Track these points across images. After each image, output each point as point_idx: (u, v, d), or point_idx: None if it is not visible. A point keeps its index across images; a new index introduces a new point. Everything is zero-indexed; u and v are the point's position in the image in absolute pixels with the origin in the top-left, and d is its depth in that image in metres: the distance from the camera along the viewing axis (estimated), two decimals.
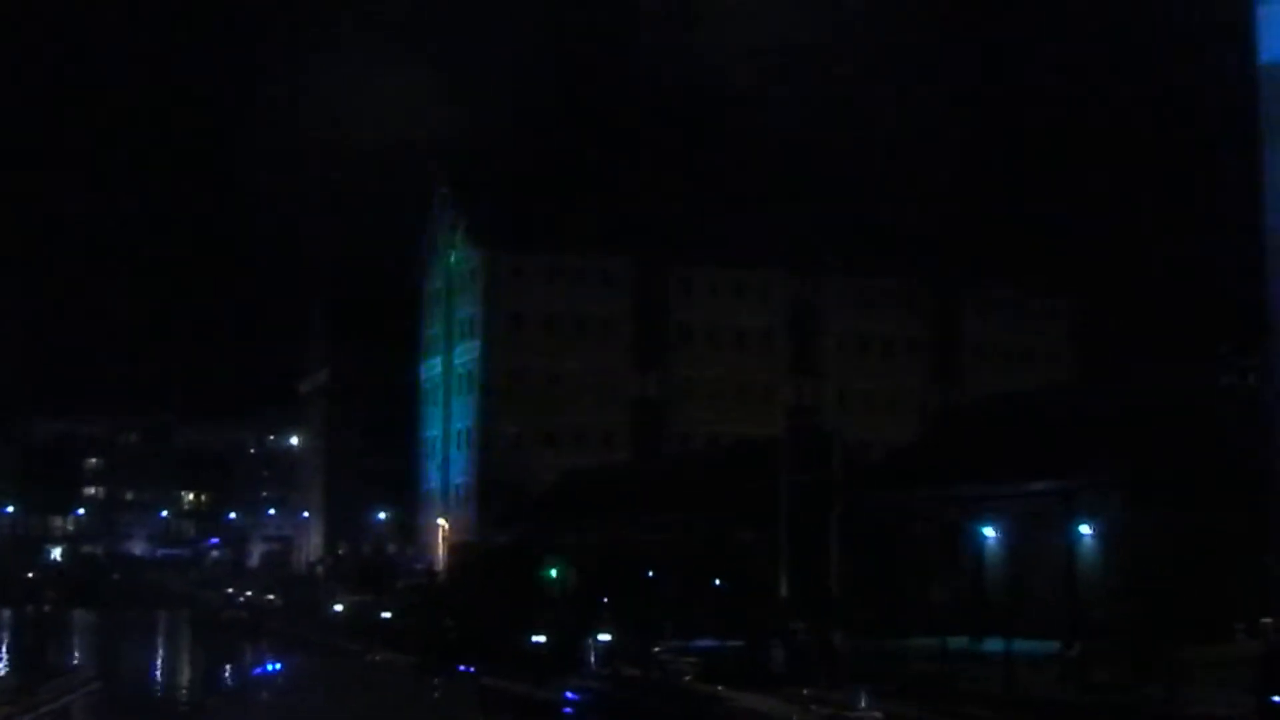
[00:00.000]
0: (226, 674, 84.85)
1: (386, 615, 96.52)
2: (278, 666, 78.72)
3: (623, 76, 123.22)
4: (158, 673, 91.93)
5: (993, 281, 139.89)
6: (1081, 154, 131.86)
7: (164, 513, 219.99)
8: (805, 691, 52.66)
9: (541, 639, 71.91)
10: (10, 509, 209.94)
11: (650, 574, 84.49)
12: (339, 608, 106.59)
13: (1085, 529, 65.31)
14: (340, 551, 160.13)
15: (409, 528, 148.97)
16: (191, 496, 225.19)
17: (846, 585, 78.55)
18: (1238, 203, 56.85)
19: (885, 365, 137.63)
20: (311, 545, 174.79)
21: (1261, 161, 54.18)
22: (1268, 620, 54.63)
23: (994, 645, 59.23)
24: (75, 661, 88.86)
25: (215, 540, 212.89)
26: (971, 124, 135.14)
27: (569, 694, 62.81)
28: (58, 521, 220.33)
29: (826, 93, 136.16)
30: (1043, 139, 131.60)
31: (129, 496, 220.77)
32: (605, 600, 79.57)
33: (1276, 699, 40.85)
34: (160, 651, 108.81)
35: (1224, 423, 64.14)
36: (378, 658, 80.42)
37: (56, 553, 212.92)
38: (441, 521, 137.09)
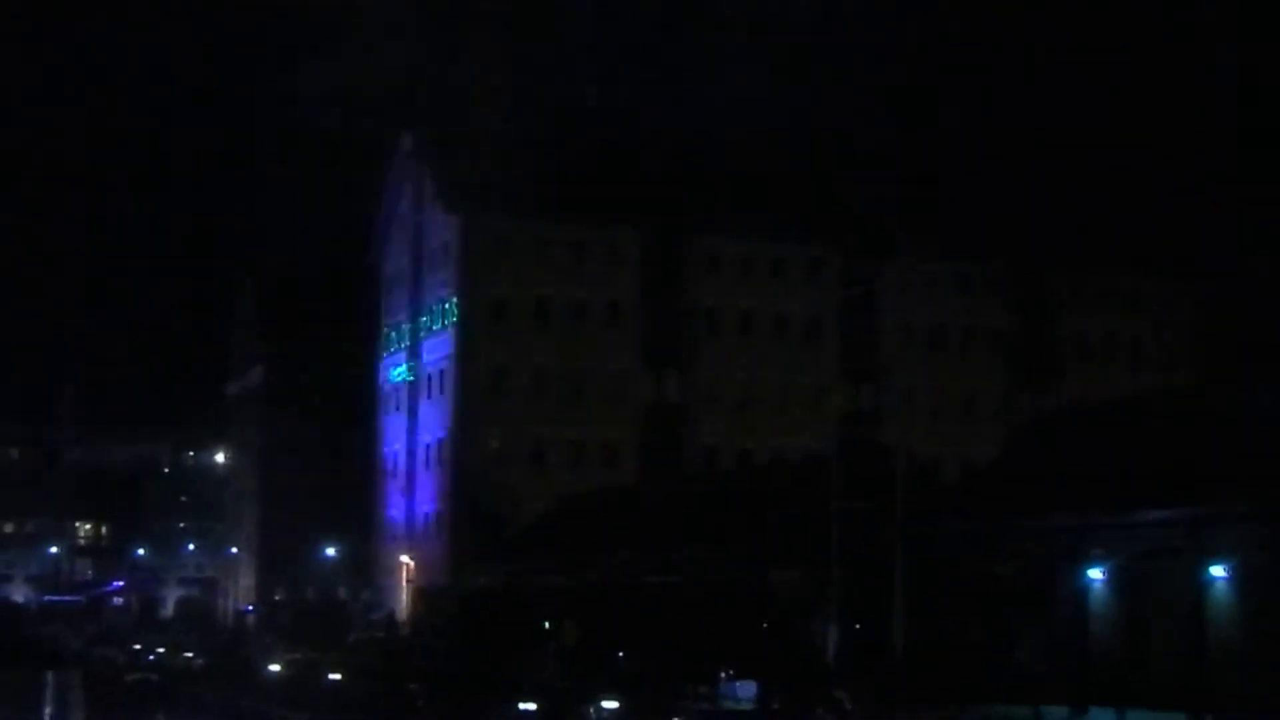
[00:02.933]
0: None
1: (336, 677, 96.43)
2: None
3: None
4: None
5: (1096, 264, 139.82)
6: (1204, 119, 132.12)
7: (53, 549, 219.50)
8: None
9: (532, 706, 71.89)
10: None
11: (666, 625, 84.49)
12: (276, 668, 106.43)
13: (1218, 570, 65.07)
14: (277, 597, 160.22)
15: (364, 567, 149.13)
16: (89, 529, 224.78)
17: (914, 637, 78.51)
18: None
19: (962, 364, 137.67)
20: (241, 589, 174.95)
21: None
22: None
23: (1101, 718, 59.15)
24: None
25: (119, 584, 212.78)
26: (1075, 82, 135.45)
27: None
28: None
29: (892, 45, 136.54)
30: (1155, 101, 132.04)
31: (7, 529, 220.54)
32: (611, 658, 79.59)
33: None
34: None
35: None
36: None
37: None
38: (405, 559, 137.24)
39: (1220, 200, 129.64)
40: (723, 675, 74.29)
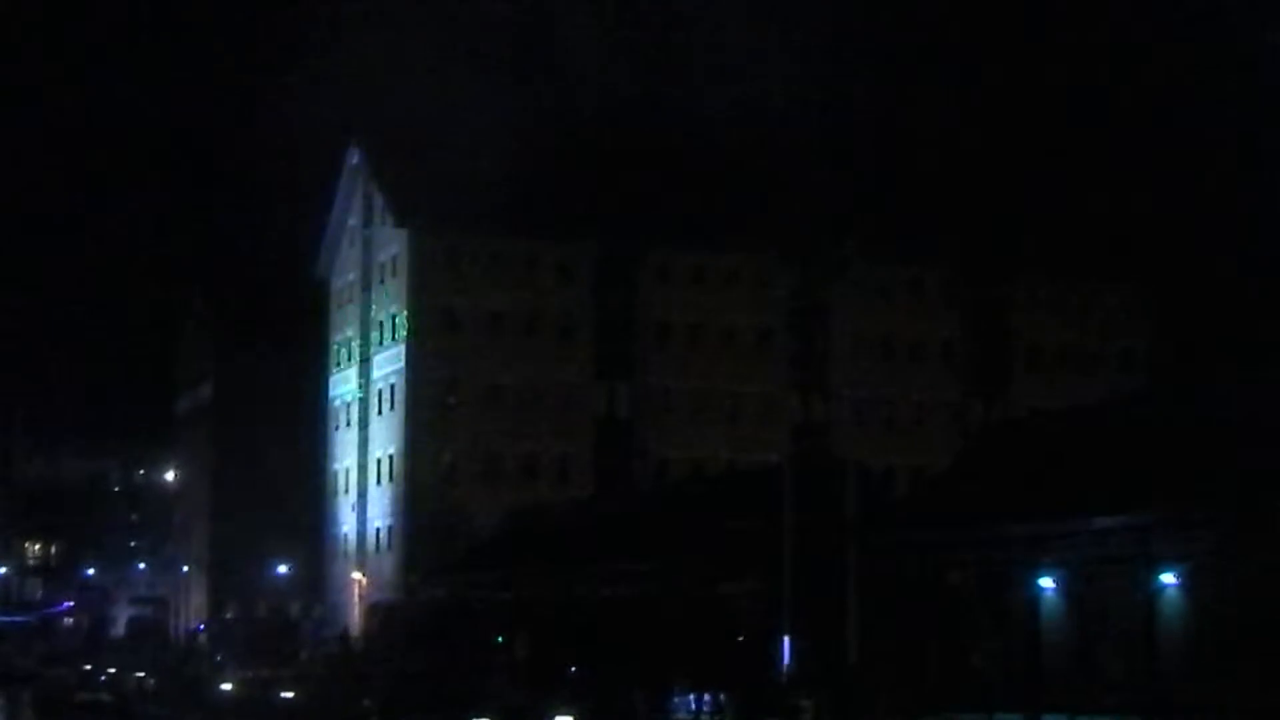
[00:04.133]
0: None
1: (289, 695, 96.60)
2: None
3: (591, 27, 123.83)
4: None
5: (1048, 272, 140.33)
6: (1159, 125, 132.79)
7: (1, 569, 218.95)
8: None
9: None
10: None
11: (620, 638, 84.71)
12: (228, 687, 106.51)
13: (1168, 577, 65.58)
14: (229, 615, 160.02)
15: (316, 583, 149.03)
16: (38, 548, 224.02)
17: (868, 647, 78.92)
18: None
19: (913, 374, 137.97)
20: (192, 607, 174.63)
21: None
22: None
23: None
24: None
25: (69, 603, 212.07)
26: (1027, 88, 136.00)
27: None
28: None
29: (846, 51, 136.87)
30: (1118, 106, 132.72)
31: None
32: (564, 672, 79.87)
33: None
34: None
35: None
36: None
37: None
38: (357, 575, 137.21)
39: (1170, 208, 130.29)
40: (678, 688, 74.55)
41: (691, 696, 73.93)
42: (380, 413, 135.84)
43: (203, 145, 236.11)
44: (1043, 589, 71.33)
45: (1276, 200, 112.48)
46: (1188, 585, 65.09)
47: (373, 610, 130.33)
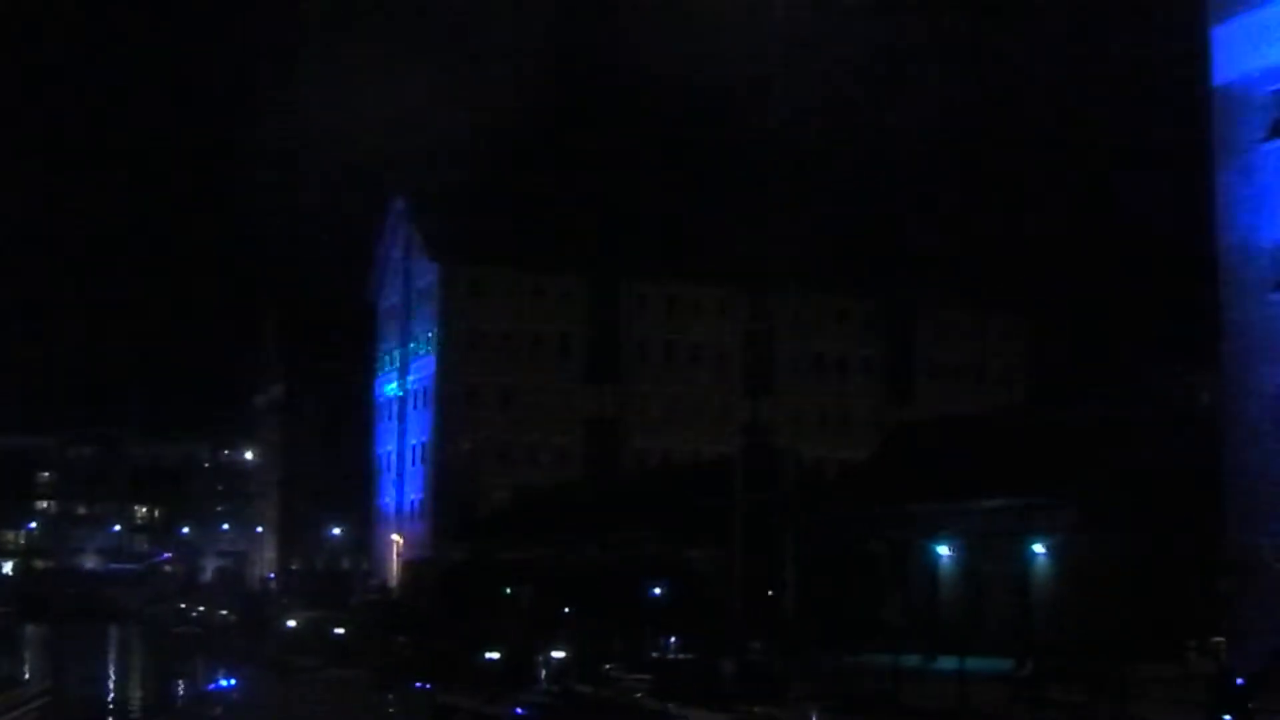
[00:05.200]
0: (179, 689, 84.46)
1: (340, 631, 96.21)
2: (231, 683, 78.68)
3: (581, 97, 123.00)
4: (109, 688, 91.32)
5: (948, 301, 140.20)
6: (1038, 174, 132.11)
7: (116, 527, 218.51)
8: (756, 709, 52.75)
9: (495, 655, 71.86)
10: None
11: (604, 590, 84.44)
12: (293, 623, 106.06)
13: (1039, 547, 65.53)
14: (294, 567, 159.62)
15: (363, 543, 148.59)
16: (144, 511, 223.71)
17: (801, 603, 78.77)
18: (1192, 222, 57.25)
19: (840, 384, 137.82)
20: (265, 560, 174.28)
21: (1214, 181, 54.56)
22: (1219, 640, 54.94)
23: (947, 664, 59.27)
24: (26, 675, 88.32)
25: (167, 555, 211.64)
26: (925, 142, 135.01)
27: (519, 710, 62.68)
28: (9, 536, 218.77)
29: (783, 113, 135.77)
30: (998, 157, 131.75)
31: (81, 511, 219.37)
32: (559, 617, 79.58)
33: (1227, 718, 41.03)
34: (112, 667, 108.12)
35: (1177, 442, 64.39)
36: (332, 674, 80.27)
37: (8, 567, 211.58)
38: (396, 537, 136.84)
39: (1046, 240, 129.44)
40: (658, 635, 74.26)
41: (661, 639, 73.62)
42: (416, 409, 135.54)
43: (267, 185, 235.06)
44: (940, 556, 71.31)
45: (1139, 237, 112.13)
46: (1055, 554, 65.14)
47: (407, 566, 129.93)
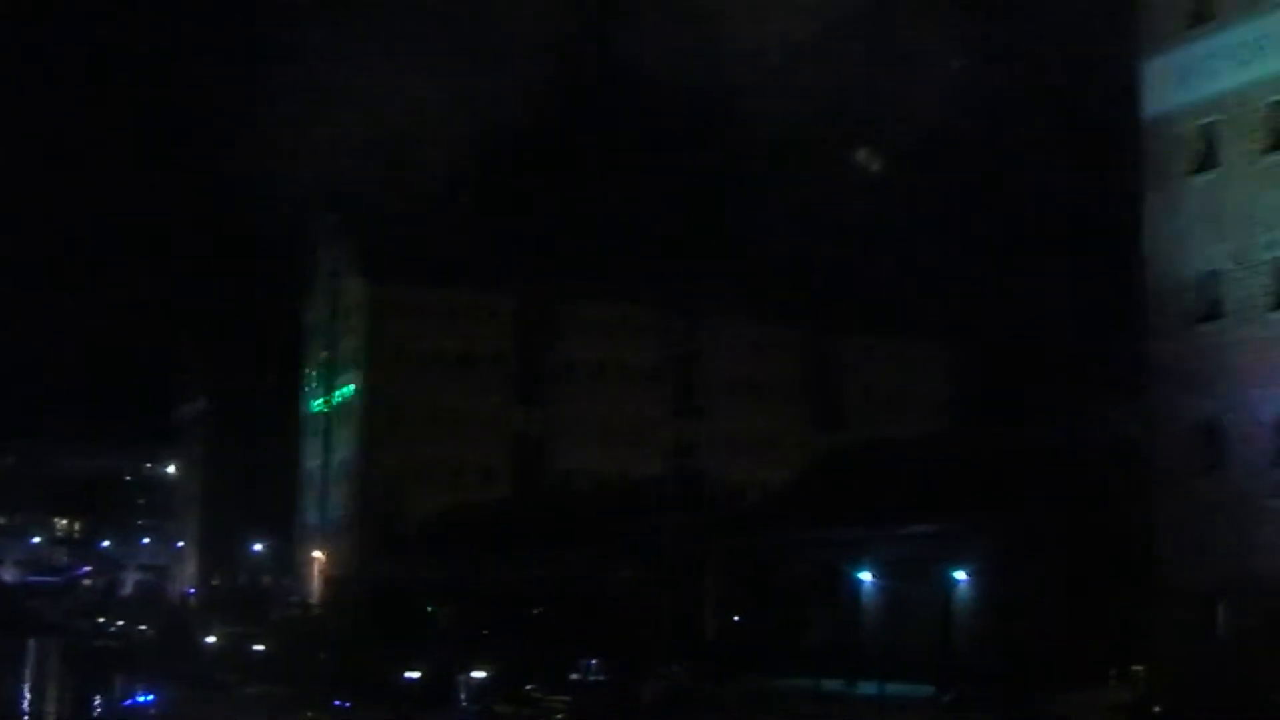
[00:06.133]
0: (97, 704, 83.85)
1: (260, 648, 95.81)
2: (150, 698, 78.13)
3: (510, 116, 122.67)
4: (25, 702, 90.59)
5: (875, 327, 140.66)
6: (964, 204, 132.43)
7: (36, 539, 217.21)
8: None
9: (416, 674, 71.70)
10: None
11: (528, 611, 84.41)
12: (212, 639, 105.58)
13: (960, 574, 65.81)
14: (215, 582, 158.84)
15: (285, 559, 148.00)
16: (64, 523, 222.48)
17: (723, 626, 78.83)
18: (1121, 252, 57.65)
19: (766, 408, 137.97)
20: (186, 575, 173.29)
21: (1141, 214, 55.02)
22: (1139, 668, 55.30)
23: (869, 689, 59.54)
24: None
25: (88, 568, 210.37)
26: (847, 172, 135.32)
27: None
28: None
29: (714, 140, 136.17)
30: (925, 188, 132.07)
31: (1, 521, 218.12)
32: (481, 636, 79.47)
33: None
34: (29, 680, 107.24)
35: (1101, 471, 64.75)
36: (251, 690, 79.90)
37: None
38: (318, 554, 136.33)
39: (977, 272, 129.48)
40: (580, 656, 74.21)
41: (582, 660, 73.59)
42: (341, 425, 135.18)
43: (195, 199, 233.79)
44: (862, 581, 71.48)
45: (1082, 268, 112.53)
46: (976, 580, 65.43)
47: (329, 583, 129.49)
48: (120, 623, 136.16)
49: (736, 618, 79.29)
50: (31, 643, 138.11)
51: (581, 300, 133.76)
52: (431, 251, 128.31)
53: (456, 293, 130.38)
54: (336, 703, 70.21)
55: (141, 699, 78.53)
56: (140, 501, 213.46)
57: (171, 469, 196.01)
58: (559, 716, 60.31)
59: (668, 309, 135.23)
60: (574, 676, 69.94)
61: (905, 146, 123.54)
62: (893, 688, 55.59)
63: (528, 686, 66.54)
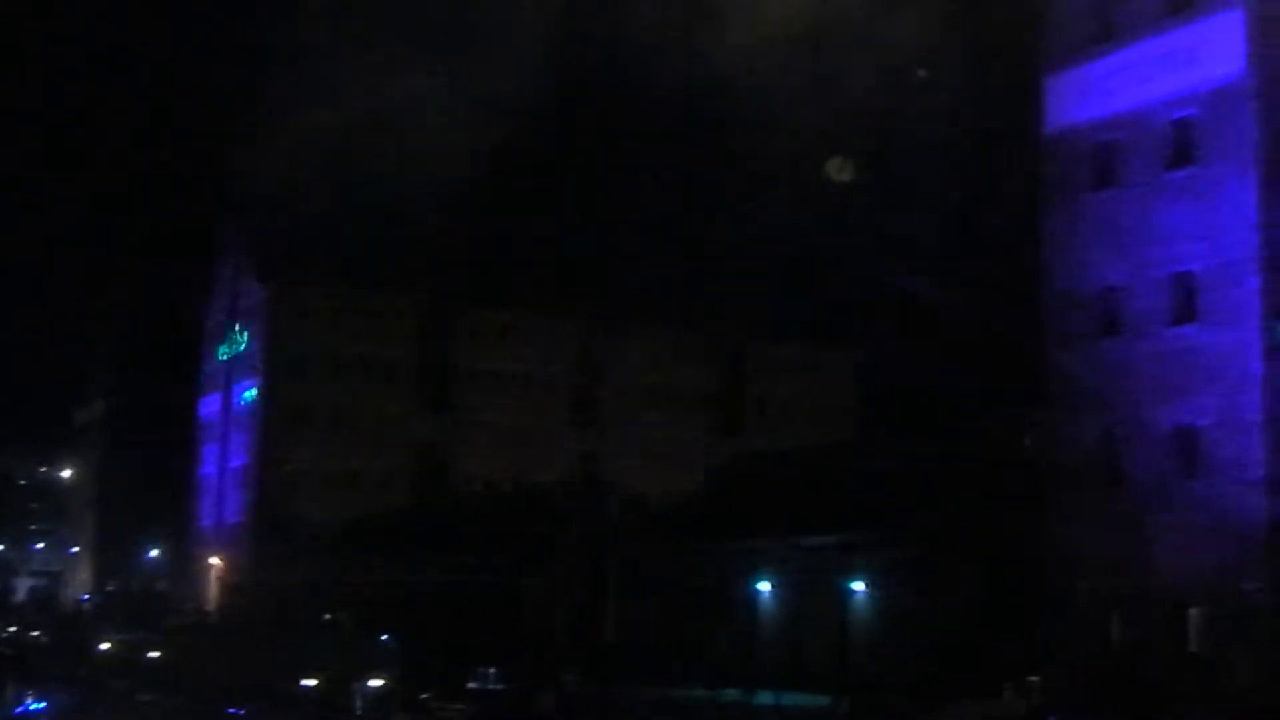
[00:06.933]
0: None
1: (155, 655, 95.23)
2: (41, 705, 77.56)
3: (421, 120, 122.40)
4: None
5: (780, 337, 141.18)
6: (876, 215, 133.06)
7: None
8: None
9: (312, 682, 71.60)
10: None
11: (427, 619, 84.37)
12: (107, 646, 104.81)
13: (859, 585, 66.36)
14: (110, 588, 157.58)
15: (182, 565, 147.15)
16: None
17: (623, 635, 79.09)
18: (1025, 266, 58.33)
19: (669, 417, 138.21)
20: (80, 581, 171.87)
21: (1042, 229, 55.73)
22: (1034, 679, 55.97)
23: (766, 699, 59.91)
24: None
25: None
26: (756, 182, 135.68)
27: None
28: None
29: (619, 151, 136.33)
30: (835, 199, 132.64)
31: None
32: (380, 644, 79.35)
33: None
34: None
35: (1002, 484, 65.41)
36: (145, 698, 79.47)
37: None
38: (215, 560, 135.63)
39: (878, 279, 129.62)
40: (479, 664, 74.25)
41: (481, 669, 73.67)
42: (239, 430, 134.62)
43: (109, 204, 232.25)
44: (761, 592, 71.97)
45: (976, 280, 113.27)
46: (874, 592, 66.00)
47: (225, 589, 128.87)
48: (12, 629, 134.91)
49: (636, 627, 79.57)
50: None
51: (487, 306, 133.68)
52: (334, 255, 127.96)
53: (359, 297, 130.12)
54: (231, 710, 69.95)
55: (33, 706, 77.94)
56: (34, 506, 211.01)
57: (67, 473, 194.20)
58: None
59: (571, 316, 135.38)
60: (472, 685, 70.05)
61: (819, 158, 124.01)
62: (790, 698, 55.98)
63: (424, 695, 66.53)
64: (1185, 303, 50.43)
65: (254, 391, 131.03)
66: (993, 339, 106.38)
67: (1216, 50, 49.70)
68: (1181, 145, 50.98)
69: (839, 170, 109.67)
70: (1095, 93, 53.85)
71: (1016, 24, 59.97)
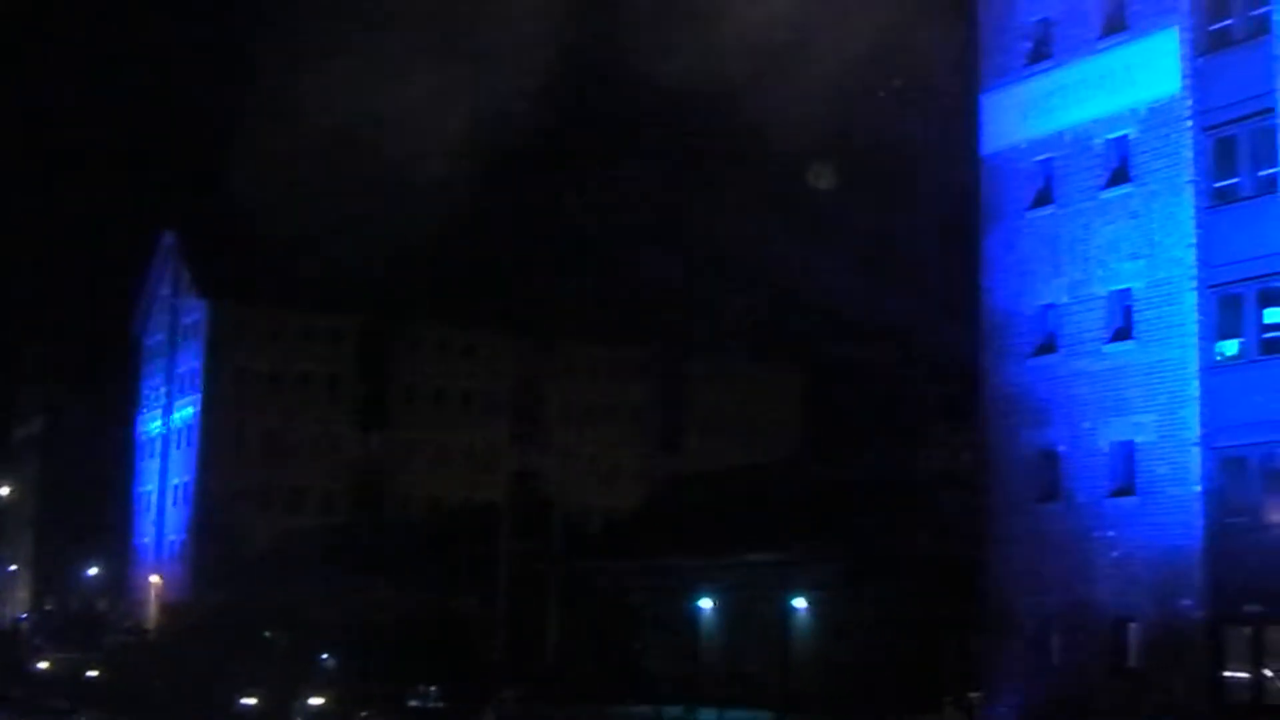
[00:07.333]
0: None
1: (94, 674, 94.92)
2: None
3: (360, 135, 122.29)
4: None
5: (722, 353, 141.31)
6: (822, 230, 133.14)
7: None
8: None
9: (252, 701, 71.48)
10: None
11: (367, 637, 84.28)
12: (45, 665, 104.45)
13: (800, 602, 66.54)
14: (48, 607, 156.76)
15: (121, 584, 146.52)
16: None
17: (565, 652, 79.14)
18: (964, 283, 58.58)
19: (610, 434, 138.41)
20: (18, 599, 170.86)
21: (980, 249, 56.01)
22: (975, 695, 56.24)
23: (709, 715, 60.04)
24: None
25: None
26: (698, 198, 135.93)
27: None
28: None
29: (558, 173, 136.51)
30: (779, 211, 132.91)
31: None
32: (319, 662, 79.29)
33: None
34: None
35: (942, 501, 65.70)
36: (84, 717, 79.20)
37: None
38: (155, 579, 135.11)
39: (824, 295, 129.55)
40: (419, 682, 74.25)
41: (422, 687, 73.72)
42: (178, 448, 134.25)
43: (50, 218, 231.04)
44: (703, 609, 72.09)
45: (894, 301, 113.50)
46: (816, 608, 66.22)
47: (165, 608, 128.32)
48: None
49: (577, 644, 79.62)
50: None
51: (425, 323, 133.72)
52: (274, 272, 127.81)
53: (297, 314, 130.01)
54: None
55: None
56: None
57: (4, 490, 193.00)
58: None
59: (510, 333, 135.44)
60: (413, 703, 70.07)
61: (762, 172, 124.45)
62: (733, 714, 56.11)
63: (363, 713, 66.47)
64: (1123, 320, 50.76)
65: (194, 409, 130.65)
66: (933, 356, 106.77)
67: (1152, 69, 50.10)
68: (1118, 164, 51.33)
69: (817, 177, 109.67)
70: (1034, 112, 54.18)
71: (957, 42, 60.30)
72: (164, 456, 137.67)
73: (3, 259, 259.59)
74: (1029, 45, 54.84)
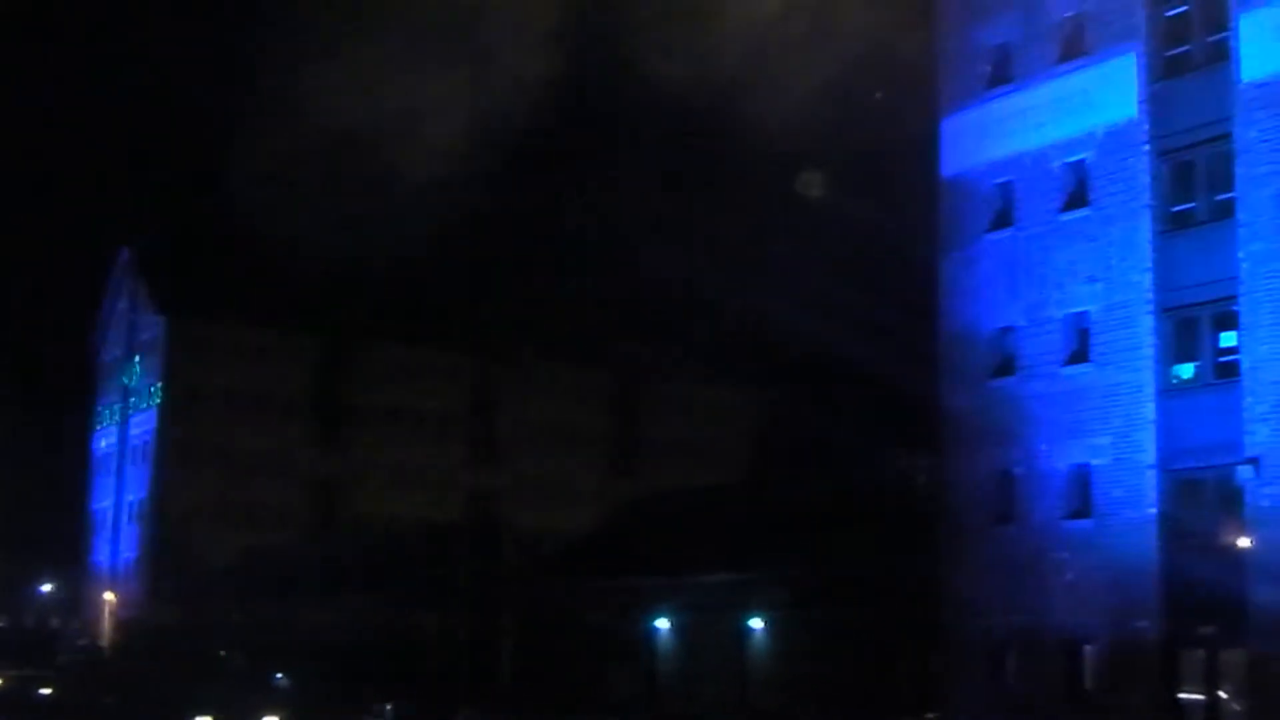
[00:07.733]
0: None
1: (46, 691, 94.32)
2: None
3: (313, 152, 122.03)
4: None
5: (677, 375, 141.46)
6: (782, 249, 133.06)
7: None
8: None
9: (206, 719, 71.16)
10: None
11: (322, 655, 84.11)
12: None
13: (756, 622, 66.63)
14: (0, 623, 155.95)
15: (75, 601, 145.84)
16: None
17: (522, 671, 79.10)
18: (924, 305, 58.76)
19: (566, 455, 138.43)
20: None
21: (939, 271, 56.24)
22: (930, 715, 56.39)
23: None
24: None
25: None
26: (657, 216, 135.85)
27: None
28: None
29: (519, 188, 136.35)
30: (729, 234, 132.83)
31: None
32: (274, 680, 79.05)
33: None
34: None
35: (899, 522, 65.84)
36: None
37: None
38: (109, 595, 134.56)
39: (782, 315, 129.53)
40: (375, 701, 74.08)
41: (377, 704, 73.53)
42: (134, 464, 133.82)
43: (4, 231, 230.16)
44: (660, 629, 72.13)
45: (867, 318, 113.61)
46: (771, 629, 66.33)
47: (119, 625, 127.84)
48: None
49: (534, 665, 79.60)
50: None
51: (382, 342, 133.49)
52: (232, 288, 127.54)
53: (254, 332, 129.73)
54: None
55: None
56: None
57: None
58: None
59: (466, 353, 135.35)
60: None
61: (706, 186, 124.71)
62: None
63: None
64: (1080, 343, 51.03)
65: (150, 425, 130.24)
66: (888, 378, 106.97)
67: (1109, 93, 50.42)
68: (1076, 187, 51.64)
69: (807, 185, 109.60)
70: (992, 135, 54.47)
71: (918, 65, 60.56)
72: (120, 473, 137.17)
73: None
74: (988, 69, 55.17)
